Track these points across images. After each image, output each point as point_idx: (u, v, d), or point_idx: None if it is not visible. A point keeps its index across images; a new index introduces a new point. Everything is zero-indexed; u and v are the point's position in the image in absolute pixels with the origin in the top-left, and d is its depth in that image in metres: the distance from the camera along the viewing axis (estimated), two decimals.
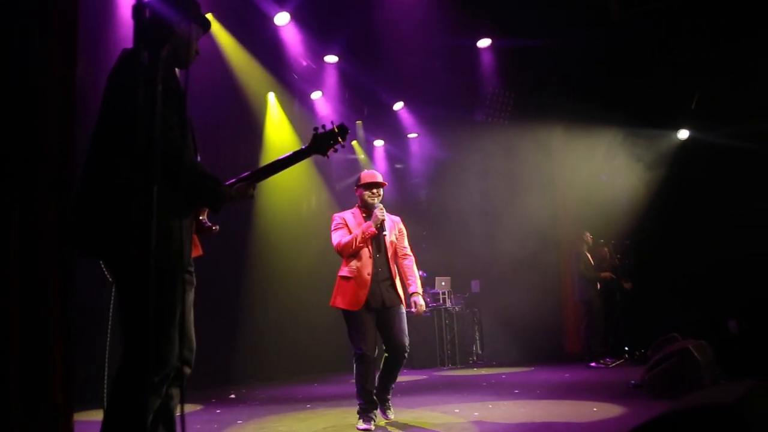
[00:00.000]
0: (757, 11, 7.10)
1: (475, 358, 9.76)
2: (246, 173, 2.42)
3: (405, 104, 9.91)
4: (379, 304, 4.14)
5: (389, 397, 4.36)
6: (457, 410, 4.68)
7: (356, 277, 4.12)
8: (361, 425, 4.06)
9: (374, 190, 4.28)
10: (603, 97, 8.28)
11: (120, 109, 2.04)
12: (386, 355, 4.25)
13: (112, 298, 2.05)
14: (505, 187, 9.37)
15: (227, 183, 2.35)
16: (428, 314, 9.20)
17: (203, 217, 2.44)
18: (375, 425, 4.08)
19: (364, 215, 4.28)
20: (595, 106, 8.18)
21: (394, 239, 4.33)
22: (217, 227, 2.47)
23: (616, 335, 8.26)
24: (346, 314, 4.16)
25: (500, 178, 9.37)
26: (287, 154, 2.51)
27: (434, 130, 10.16)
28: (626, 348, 8.40)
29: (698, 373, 4.67)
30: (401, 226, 4.46)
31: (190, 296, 2.21)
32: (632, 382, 5.52)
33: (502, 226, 9.24)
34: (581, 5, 7.28)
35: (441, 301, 9.35)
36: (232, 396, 6.43)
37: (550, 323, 9.10)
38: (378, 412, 4.24)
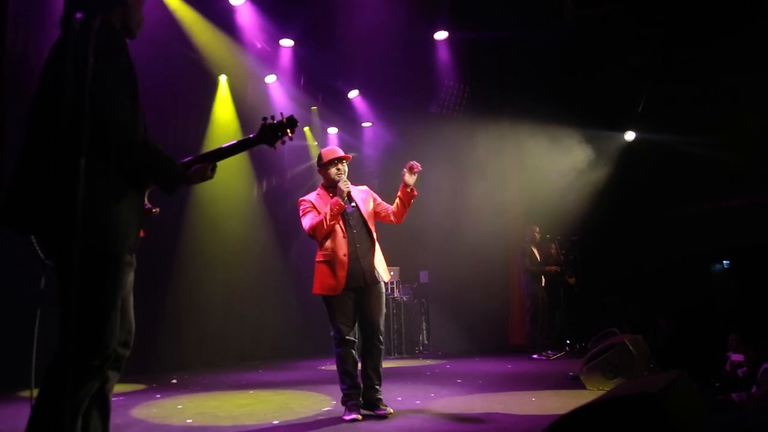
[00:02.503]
0: (710, 22, 7.37)
1: (421, 348, 9.88)
2: (188, 158, 2.38)
3: (360, 92, 9.90)
4: (360, 282, 3.96)
5: (378, 388, 4.00)
6: (400, 398, 4.74)
7: (332, 260, 3.94)
8: (347, 415, 3.84)
9: (339, 166, 4.09)
10: (556, 95, 8.44)
11: (54, 81, 1.98)
12: (362, 341, 4.04)
13: (43, 278, 1.99)
14: (456, 179, 9.48)
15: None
16: None
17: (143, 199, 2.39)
18: (362, 415, 3.87)
19: (330, 194, 4.08)
20: (547, 104, 8.33)
21: (370, 208, 4.13)
22: (158, 209, 2.43)
23: (558, 329, 8.48)
24: (326, 299, 3.97)
25: (452, 170, 9.46)
26: (233, 141, 2.48)
27: (388, 120, 10.19)
28: (568, 341, 8.64)
29: (632, 365, 4.90)
30: (372, 192, 4.25)
31: (130, 278, 2.17)
32: (571, 373, 5.70)
33: (453, 217, 9.35)
34: (537, 2, 7.40)
35: (389, 291, 9.43)
36: (174, 381, 6.33)
37: (496, 315, 9.29)
38: (362, 399, 3.99)
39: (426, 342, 10.13)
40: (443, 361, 8.03)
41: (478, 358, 8.44)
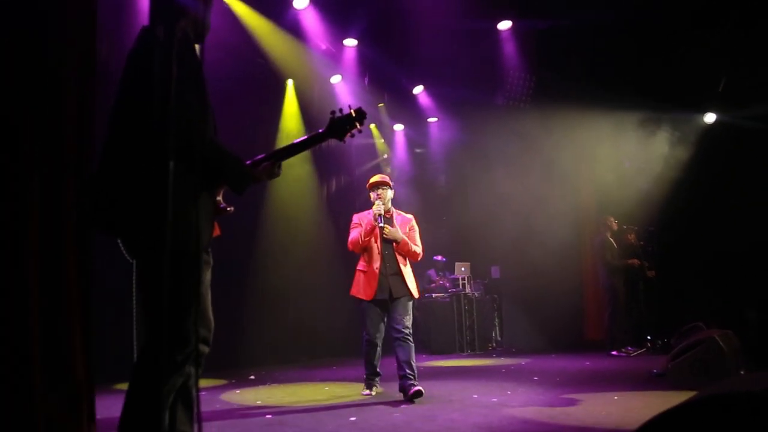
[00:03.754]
0: None
1: (494, 345, 9.74)
2: (261, 156, 2.40)
3: (425, 88, 9.82)
4: (386, 294, 4.72)
5: (410, 377, 4.59)
6: (476, 396, 4.66)
7: (367, 271, 4.78)
8: (365, 391, 4.90)
9: (378, 191, 4.84)
10: (627, 79, 8.11)
11: (136, 88, 2.03)
12: (393, 341, 4.74)
13: (134, 276, 2.06)
14: (526, 171, 9.27)
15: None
16: (447, 300, 9.22)
17: (219, 199, 2.43)
18: (376, 392, 4.88)
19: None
20: (619, 89, 8.03)
21: (404, 233, 4.81)
22: (232, 208, 2.46)
23: (638, 324, 8.16)
24: (359, 302, 4.83)
25: (521, 162, 9.26)
26: (303, 137, 2.48)
27: (454, 114, 10.05)
28: (649, 337, 8.29)
29: (723, 362, 4.60)
30: (413, 223, 4.93)
31: (208, 276, 2.21)
32: (654, 371, 5.47)
33: (523, 210, 9.15)
34: None
35: (460, 287, 9.36)
36: (252, 377, 6.49)
37: (571, 310, 9.01)
38: (378, 381, 4.98)
39: (499, 339, 9.98)
40: (518, 359, 7.88)
41: (553, 354, 8.24)
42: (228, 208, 2.43)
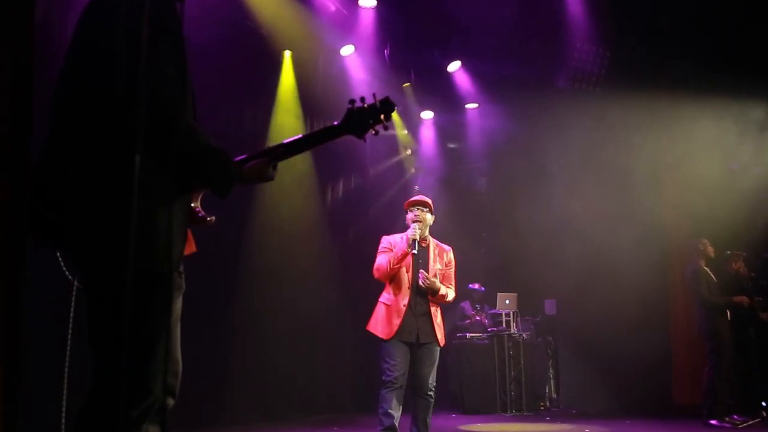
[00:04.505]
0: None
1: (547, 404, 9.67)
2: (256, 153, 2.40)
3: (462, 64, 9.83)
4: (413, 337, 4.96)
5: None
6: None
7: (392, 305, 5.01)
8: None
9: (416, 212, 5.10)
10: (734, 54, 8.05)
11: (92, 56, 2.03)
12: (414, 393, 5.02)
13: (73, 301, 2.05)
14: (593, 175, 9.20)
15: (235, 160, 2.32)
16: (486, 342, 9.17)
17: (196, 204, 2.43)
18: None
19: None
20: (720, 69, 7.95)
21: (441, 267, 5.13)
22: (213, 218, 2.45)
23: (748, 384, 7.98)
24: (379, 341, 5.03)
25: (587, 163, 9.20)
26: (312, 131, 2.47)
27: (501, 100, 10.02)
28: (764, 404, 8.08)
29: None
30: (451, 256, 5.24)
31: (178, 304, 2.19)
32: None
33: (589, 228, 9.03)
34: None
35: (504, 325, 9.30)
36: None
37: (653, 361, 8.87)
38: None
39: (554, 396, 9.90)
40: (579, 424, 7.77)
41: (628, 420, 8.12)
42: (208, 218, 2.42)
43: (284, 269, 8.43)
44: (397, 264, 4.99)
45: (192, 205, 2.39)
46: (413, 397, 5.00)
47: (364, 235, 9.47)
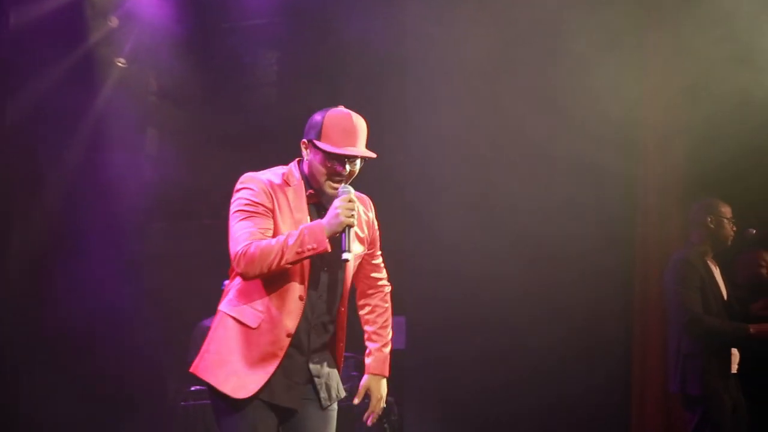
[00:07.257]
0: None
1: None
2: None
3: None
4: (293, 398, 2.97)
5: None
6: None
7: (263, 332, 2.92)
8: None
9: (346, 167, 3.00)
10: None
11: None
12: None
13: None
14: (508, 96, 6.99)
15: None
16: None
17: None
18: None
19: (313, 200, 3.05)
20: None
21: (360, 251, 3.14)
22: None
23: None
24: (220, 402, 2.94)
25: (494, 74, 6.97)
26: None
27: None
28: None
29: None
30: (371, 214, 3.28)
31: None
32: None
33: (485, 186, 7.03)
34: None
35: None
36: None
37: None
38: None
39: None
40: None
41: None
42: None
43: None
44: (295, 259, 2.78)
45: None
46: None
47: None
